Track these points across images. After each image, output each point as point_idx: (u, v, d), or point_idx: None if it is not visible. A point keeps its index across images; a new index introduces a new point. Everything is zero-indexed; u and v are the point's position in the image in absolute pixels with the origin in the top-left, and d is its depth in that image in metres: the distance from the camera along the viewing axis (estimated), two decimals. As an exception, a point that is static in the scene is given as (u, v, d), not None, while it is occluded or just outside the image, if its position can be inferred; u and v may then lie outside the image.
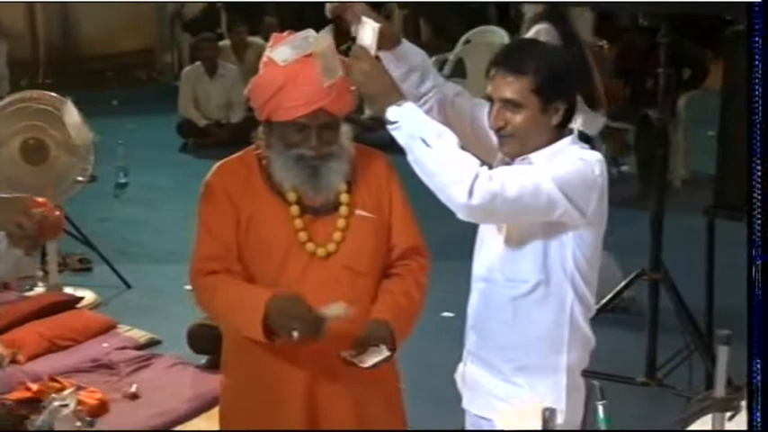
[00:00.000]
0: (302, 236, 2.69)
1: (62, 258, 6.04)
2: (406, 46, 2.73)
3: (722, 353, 2.12)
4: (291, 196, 2.69)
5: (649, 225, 4.43)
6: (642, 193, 6.94)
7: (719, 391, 2.14)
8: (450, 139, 2.48)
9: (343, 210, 2.72)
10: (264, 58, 2.68)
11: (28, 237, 2.50)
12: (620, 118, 7.83)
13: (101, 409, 4.40)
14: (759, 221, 2.15)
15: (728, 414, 2.17)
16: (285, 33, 2.68)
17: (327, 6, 2.67)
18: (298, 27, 2.70)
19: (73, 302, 5.58)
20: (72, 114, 5.38)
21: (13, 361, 4.77)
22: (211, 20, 11.56)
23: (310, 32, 2.66)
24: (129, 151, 8.10)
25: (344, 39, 2.67)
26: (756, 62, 2.18)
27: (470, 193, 2.42)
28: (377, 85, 2.53)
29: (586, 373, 2.80)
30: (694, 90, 7.80)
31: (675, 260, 4.52)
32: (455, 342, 2.89)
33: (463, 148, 2.51)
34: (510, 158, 2.63)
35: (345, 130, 2.73)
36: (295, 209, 2.69)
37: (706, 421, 2.25)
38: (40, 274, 5.80)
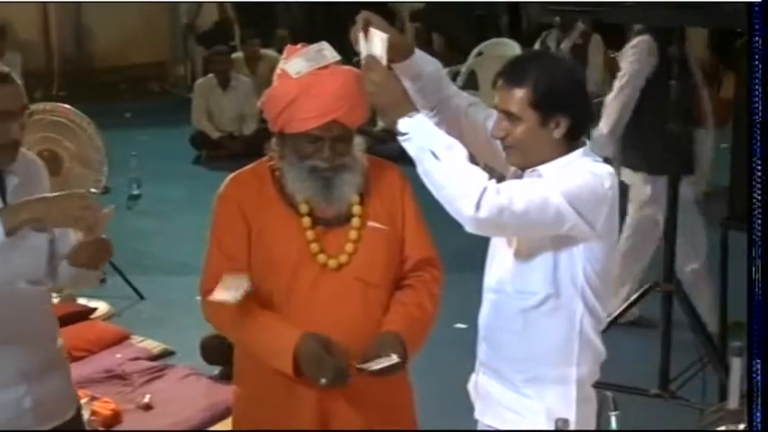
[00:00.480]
0: (314, 247, 2.69)
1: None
2: (419, 56, 2.72)
3: (735, 364, 2.11)
4: (304, 208, 2.70)
5: (663, 237, 4.42)
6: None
7: (733, 402, 2.13)
8: (460, 152, 2.48)
9: (356, 221, 2.72)
10: (278, 71, 2.69)
11: (92, 228, 2.57)
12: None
13: (114, 419, 4.41)
14: (759, 221, 2.14)
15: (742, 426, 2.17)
16: (299, 45, 2.70)
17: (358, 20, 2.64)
18: (310, 39, 2.71)
19: (86, 313, 5.60)
20: None
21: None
22: (224, 33, 11.64)
23: (324, 45, 2.68)
24: (142, 163, 8.14)
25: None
26: (756, 62, 2.17)
27: (478, 207, 2.42)
28: (388, 96, 2.53)
29: (600, 385, 2.79)
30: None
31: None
32: (468, 354, 2.88)
33: (474, 159, 2.52)
34: (521, 170, 2.64)
35: (358, 141, 2.74)
36: (307, 220, 2.70)
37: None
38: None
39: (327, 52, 2.66)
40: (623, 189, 4.53)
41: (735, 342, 2.13)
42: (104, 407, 4.43)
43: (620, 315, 4.45)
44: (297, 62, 2.64)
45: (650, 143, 4.88)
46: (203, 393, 4.70)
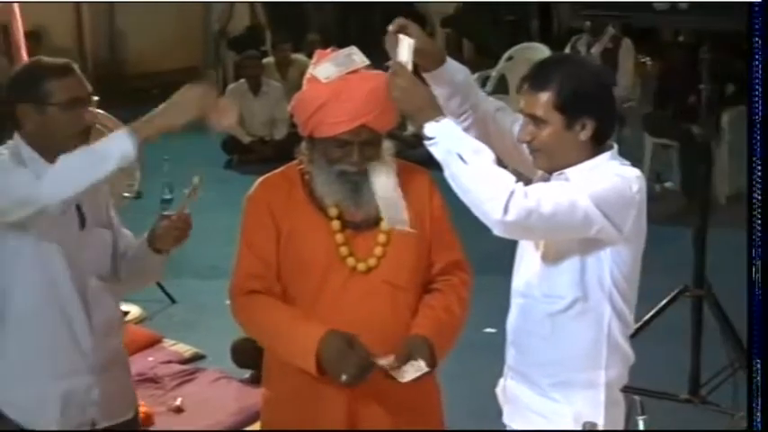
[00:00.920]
0: (343, 250, 2.71)
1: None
2: (450, 64, 2.72)
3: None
4: (333, 211, 2.72)
5: (692, 241, 4.41)
6: (686, 209, 6.90)
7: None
8: (487, 155, 2.49)
9: (384, 225, 2.74)
10: (308, 75, 2.71)
11: (177, 229, 2.87)
12: (663, 134, 7.80)
13: (146, 422, 4.43)
14: (759, 221, 2.14)
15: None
16: (329, 50, 2.71)
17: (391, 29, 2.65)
18: (341, 43, 2.73)
19: (118, 317, 5.63)
20: None
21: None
22: (255, 38, 11.67)
23: (353, 50, 2.69)
24: (175, 167, 8.18)
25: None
26: (756, 62, 2.17)
27: (505, 210, 2.42)
28: (415, 100, 2.54)
29: (629, 389, 2.79)
30: (740, 106, 7.75)
31: (720, 277, 4.49)
32: (497, 358, 2.88)
33: (502, 163, 2.52)
34: (548, 173, 2.64)
35: (387, 146, 2.75)
36: (336, 223, 2.71)
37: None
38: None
39: (357, 57, 2.68)
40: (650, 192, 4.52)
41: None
42: (136, 409, 4.47)
43: (649, 321, 4.43)
44: (326, 67, 2.66)
45: None
46: (234, 397, 4.73)
